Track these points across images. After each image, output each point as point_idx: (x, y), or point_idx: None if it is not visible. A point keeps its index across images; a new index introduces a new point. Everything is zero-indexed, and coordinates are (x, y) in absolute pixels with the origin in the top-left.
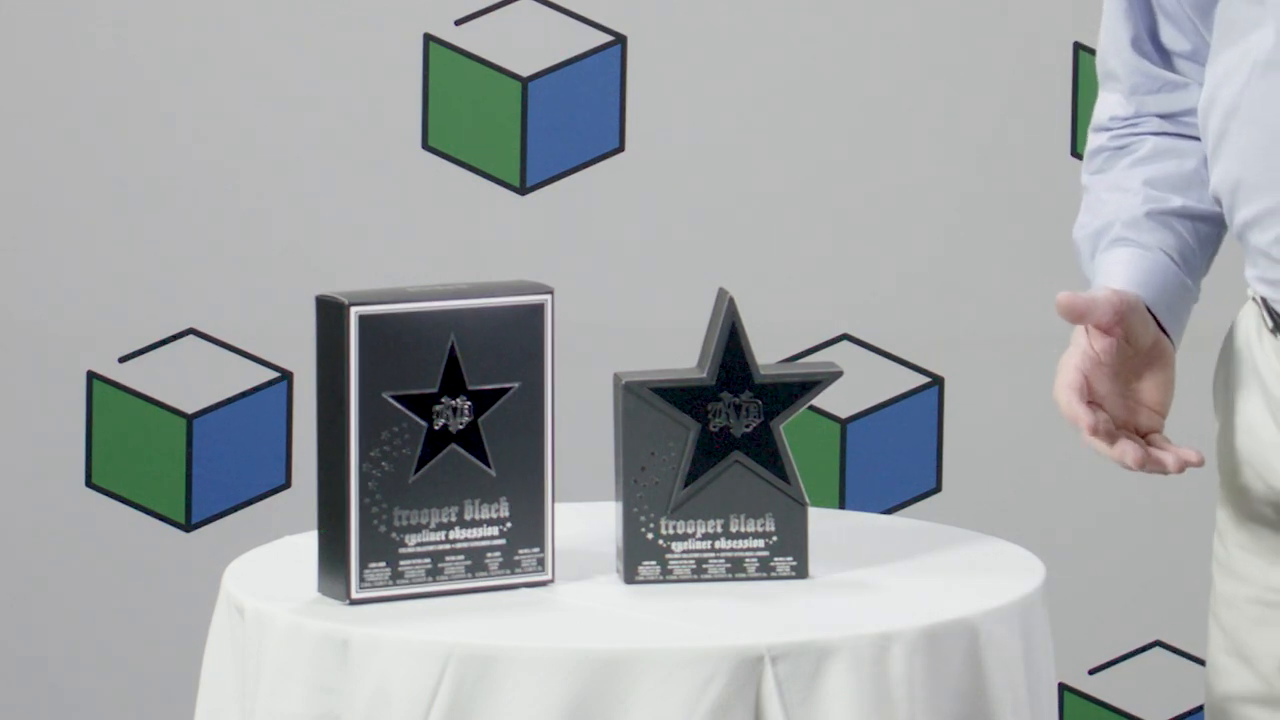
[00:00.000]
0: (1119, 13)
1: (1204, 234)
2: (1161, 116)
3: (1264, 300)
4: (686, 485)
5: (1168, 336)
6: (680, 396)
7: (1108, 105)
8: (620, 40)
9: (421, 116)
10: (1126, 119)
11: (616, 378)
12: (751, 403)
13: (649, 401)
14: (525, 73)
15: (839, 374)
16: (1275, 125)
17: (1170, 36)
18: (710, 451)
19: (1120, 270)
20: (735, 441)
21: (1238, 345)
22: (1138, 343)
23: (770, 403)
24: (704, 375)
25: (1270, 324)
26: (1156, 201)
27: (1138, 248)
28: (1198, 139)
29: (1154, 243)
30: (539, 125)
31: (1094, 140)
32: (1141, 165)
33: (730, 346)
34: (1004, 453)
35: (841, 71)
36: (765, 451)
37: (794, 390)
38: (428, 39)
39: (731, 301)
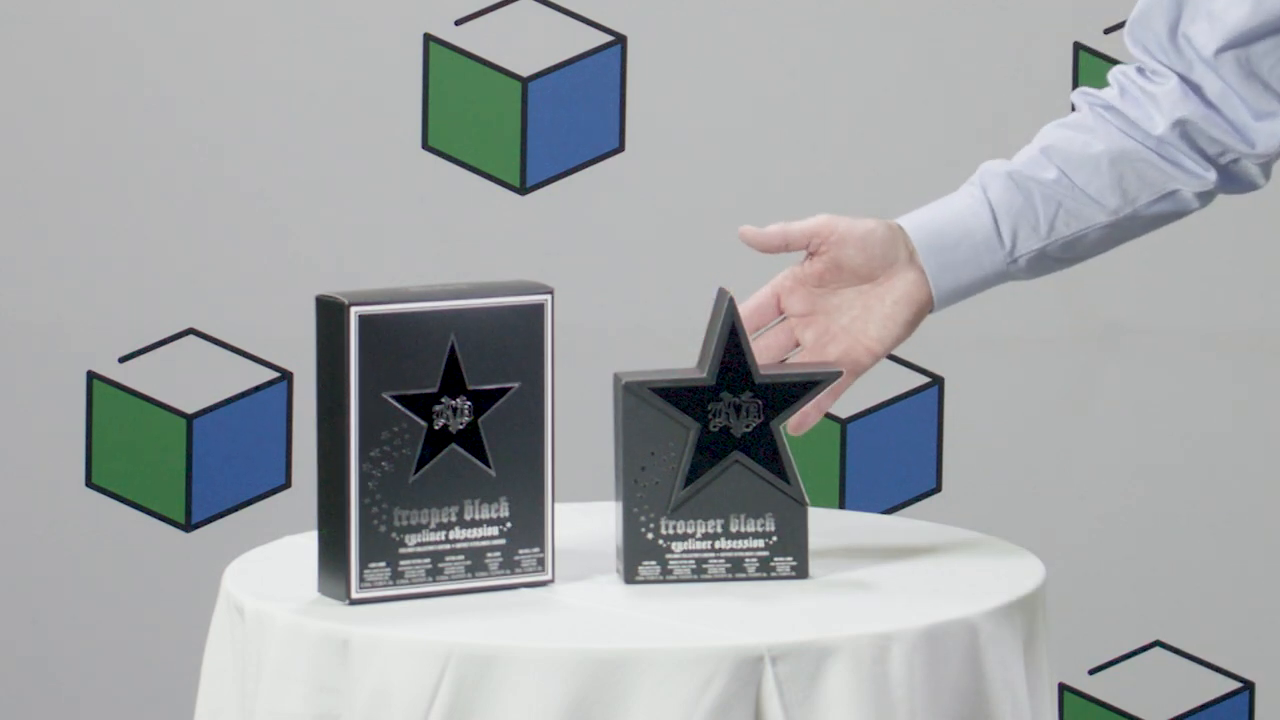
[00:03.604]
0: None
1: (1066, 216)
2: (1122, 91)
3: None
4: (686, 485)
5: (930, 282)
6: (680, 396)
7: (1112, 71)
8: (620, 40)
9: (421, 116)
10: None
11: (616, 378)
12: (751, 403)
13: (649, 401)
14: (525, 73)
15: (839, 374)
16: None
17: (1195, 30)
18: (710, 451)
19: (930, 209)
20: (735, 441)
21: None
22: (850, 269)
23: (770, 403)
24: (704, 375)
25: None
26: (1032, 165)
27: (971, 194)
28: (1135, 126)
29: (993, 198)
30: (539, 125)
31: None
32: (1061, 129)
33: (730, 346)
34: (1004, 453)
35: (841, 71)
36: (765, 451)
37: (794, 390)
38: (428, 39)
39: (731, 301)
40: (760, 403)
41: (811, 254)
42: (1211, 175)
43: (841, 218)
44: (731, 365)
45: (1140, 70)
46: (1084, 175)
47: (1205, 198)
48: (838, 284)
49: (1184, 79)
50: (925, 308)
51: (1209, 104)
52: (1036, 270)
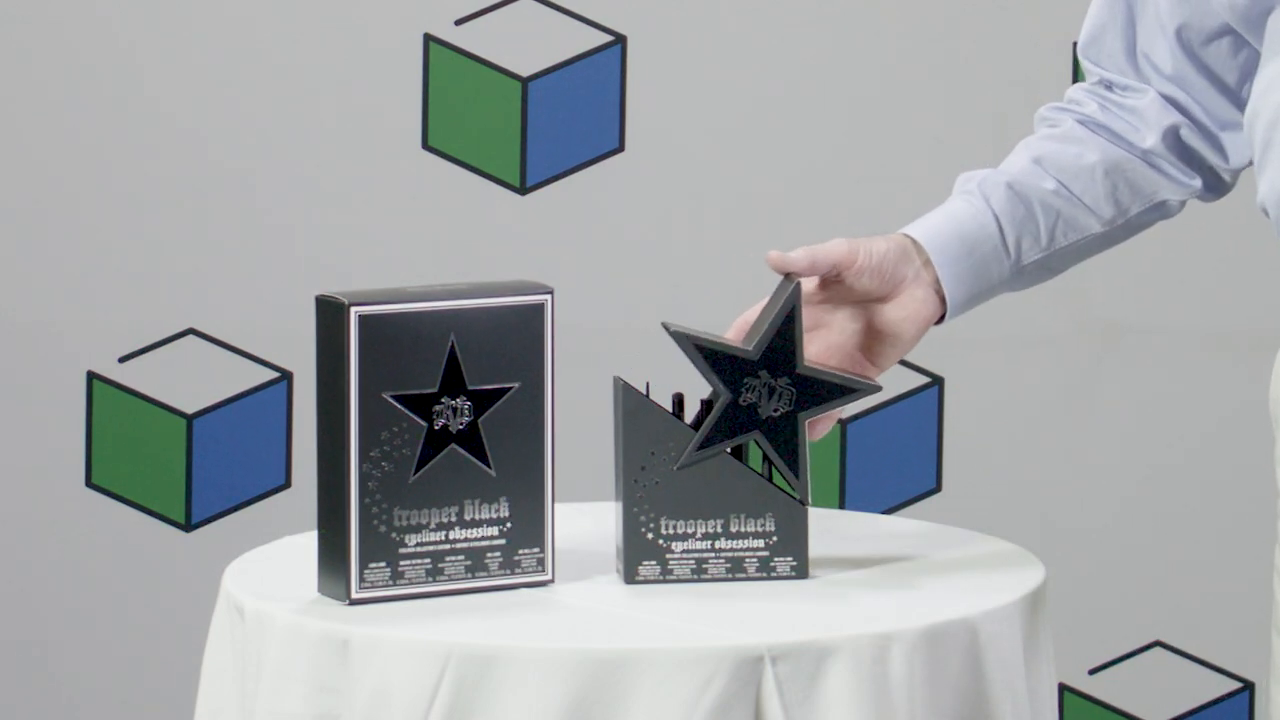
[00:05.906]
0: (1119, 15)
1: (1065, 226)
2: (1101, 106)
3: None
4: (703, 448)
5: (946, 293)
6: (720, 361)
7: (1074, 89)
8: (620, 40)
9: (421, 116)
10: (1073, 100)
11: (616, 379)
12: (787, 389)
13: (688, 354)
14: (525, 73)
15: (878, 388)
16: None
17: (1152, 47)
18: (733, 423)
19: (937, 218)
20: (758, 421)
21: None
22: (862, 291)
23: (804, 394)
24: (749, 349)
25: None
26: (1029, 176)
27: (974, 204)
28: (1121, 139)
29: (997, 208)
30: (539, 125)
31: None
32: (1047, 141)
33: (784, 329)
34: (1004, 453)
35: (841, 71)
36: (784, 440)
37: (830, 389)
38: (428, 39)
39: (798, 287)
40: (794, 391)
41: (827, 279)
42: (1197, 182)
43: (859, 244)
44: (779, 347)
45: (1108, 86)
46: (1080, 185)
47: (1184, 203)
48: (845, 302)
49: (1158, 92)
50: (930, 322)
51: (1185, 113)
52: (1030, 280)
